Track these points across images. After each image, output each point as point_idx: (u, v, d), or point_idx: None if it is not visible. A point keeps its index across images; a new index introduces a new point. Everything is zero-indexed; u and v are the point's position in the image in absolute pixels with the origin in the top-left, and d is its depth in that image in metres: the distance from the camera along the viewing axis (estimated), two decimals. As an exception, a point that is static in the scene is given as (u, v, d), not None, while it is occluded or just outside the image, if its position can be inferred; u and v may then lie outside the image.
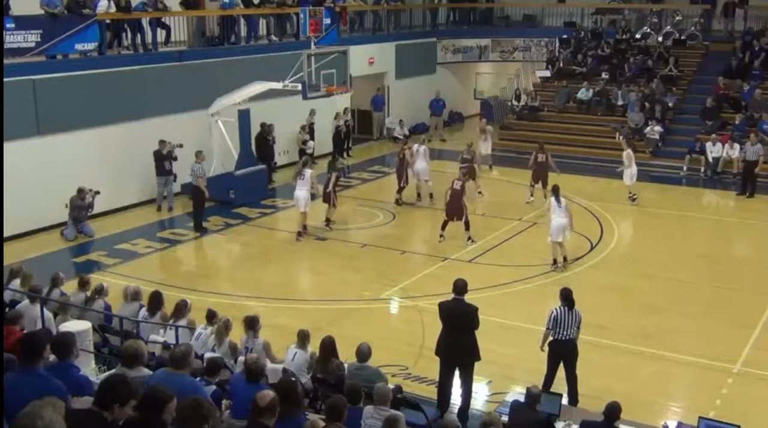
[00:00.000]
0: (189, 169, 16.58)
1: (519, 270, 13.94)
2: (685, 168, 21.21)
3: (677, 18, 26.95)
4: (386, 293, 13.18)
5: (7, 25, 14.79)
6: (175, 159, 17.50)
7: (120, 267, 14.22)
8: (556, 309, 9.03)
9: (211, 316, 9.50)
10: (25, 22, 15.27)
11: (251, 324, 8.94)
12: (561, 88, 25.68)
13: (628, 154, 18.01)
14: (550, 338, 9.11)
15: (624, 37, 26.98)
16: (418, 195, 18.45)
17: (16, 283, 10.12)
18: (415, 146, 18.40)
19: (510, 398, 8.34)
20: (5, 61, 14.48)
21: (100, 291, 10.15)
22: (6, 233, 14.18)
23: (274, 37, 21.69)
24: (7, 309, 8.60)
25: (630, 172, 17.99)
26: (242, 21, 20.81)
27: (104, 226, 16.42)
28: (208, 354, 8.53)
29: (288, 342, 9.09)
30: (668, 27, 26.77)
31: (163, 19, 18.67)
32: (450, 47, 28.88)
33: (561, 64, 27.15)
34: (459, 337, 8.91)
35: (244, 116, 18.49)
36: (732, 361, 10.63)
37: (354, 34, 24.64)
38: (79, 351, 6.38)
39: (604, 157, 22.16)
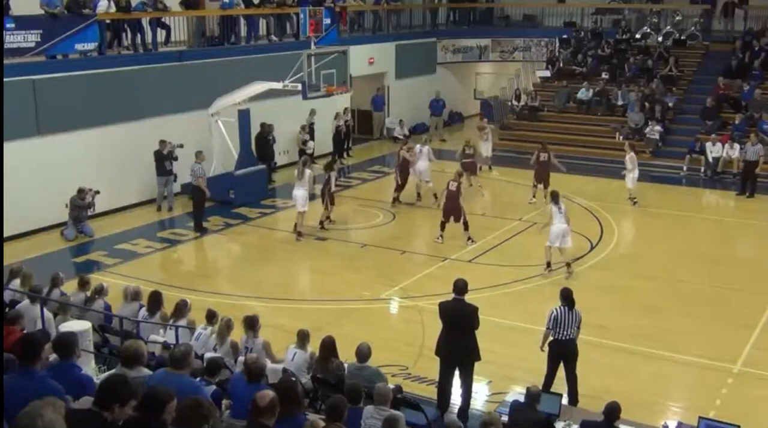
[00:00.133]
0: (189, 169, 16.57)
1: (519, 270, 13.94)
2: (685, 168, 21.22)
3: (677, 18, 26.95)
4: (386, 293, 13.18)
5: (7, 25, 14.79)
6: (176, 159, 17.51)
7: (120, 267, 14.22)
8: (556, 309, 9.03)
9: (211, 316, 9.50)
10: (25, 22, 15.27)
11: (251, 324, 8.94)
12: (561, 88, 25.68)
13: (631, 157, 17.99)
14: (550, 338, 9.11)
15: (624, 37, 26.98)
16: (418, 195, 18.45)
17: (16, 283, 10.13)
18: (418, 146, 18.37)
19: (510, 398, 8.35)
20: (5, 61, 14.48)
21: (100, 291, 10.15)
22: (6, 233, 14.18)
23: (274, 37, 21.69)
24: (7, 309, 8.60)
25: (633, 175, 17.97)
26: (242, 21, 20.81)
27: (104, 226, 16.42)
28: (208, 354, 8.54)
29: (288, 342, 9.09)
30: (668, 27, 26.76)
31: (163, 19, 18.67)
32: (450, 47, 28.88)
33: (561, 64, 27.15)
34: (459, 337, 8.91)
35: (244, 116, 18.49)
36: (732, 361, 10.63)
37: (354, 34, 24.64)
38: (81, 352, 6.38)
39: (604, 157, 22.19)
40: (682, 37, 26.43)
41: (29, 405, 3.93)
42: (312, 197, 16.10)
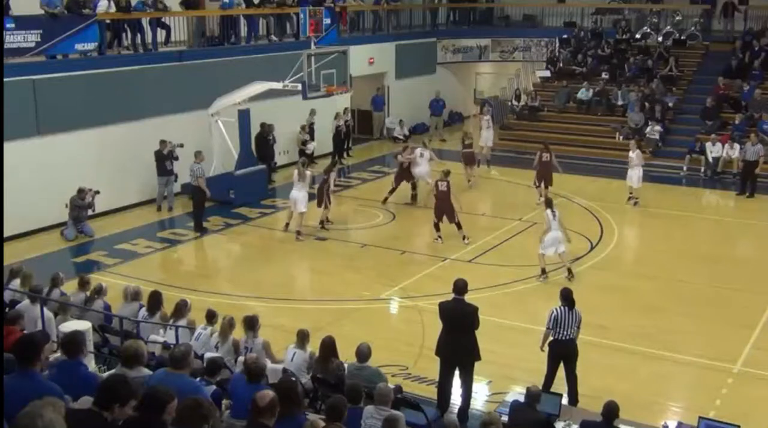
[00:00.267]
0: (189, 169, 16.57)
1: (519, 270, 13.93)
2: (685, 168, 21.21)
3: (677, 18, 26.94)
4: (386, 293, 13.18)
5: (7, 25, 14.79)
6: (177, 158, 17.51)
7: (120, 267, 14.22)
8: (556, 309, 9.04)
9: (211, 316, 9.51)
10: (25, 22, 15.27)
11: (251, 324, 8.94)
12: (561, 88, 25.68)
13: (638, 154, 17.97)
14: (551, 338, 9.11)
15: (624, 37, 26.98)
16: (412, 197, 18.36)
17: (16, 283, 10.13)
18: (418, 150, 18.29)
19: (510, 398, 8.35)
20: (5, 61, 14.49)
21: (100, 291, 10.16)
22: (6, 233, 14.18)
23: (274, 37, 21.69)
24: (7, 309, 8.60)
25: (638, 174, 17.90)
26: (242, 21, 20.81)
27: (104, 226, 16.41)
28: (209, 354, 8.54)
29: (288, 342, 9.09)
30: (668, 27, 26.75)
31: (163, 19, 18.67)
32: (450, 47, 28.88)
33: (561, 64, 27.15)
34: (459, 337, 8.91)
35: (244, 116, 18.49)
36: (732, 361, 10.63)
37: (354, 34, 24.64)
38: (87, 351, 6.39)
39: (604, 157, 22.19)
40: (682, 37, 26.42)
41: (29, 405, 3.93)
42: (311, 197, 16.08)
